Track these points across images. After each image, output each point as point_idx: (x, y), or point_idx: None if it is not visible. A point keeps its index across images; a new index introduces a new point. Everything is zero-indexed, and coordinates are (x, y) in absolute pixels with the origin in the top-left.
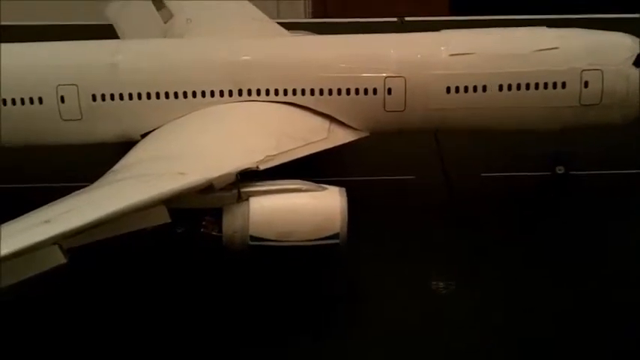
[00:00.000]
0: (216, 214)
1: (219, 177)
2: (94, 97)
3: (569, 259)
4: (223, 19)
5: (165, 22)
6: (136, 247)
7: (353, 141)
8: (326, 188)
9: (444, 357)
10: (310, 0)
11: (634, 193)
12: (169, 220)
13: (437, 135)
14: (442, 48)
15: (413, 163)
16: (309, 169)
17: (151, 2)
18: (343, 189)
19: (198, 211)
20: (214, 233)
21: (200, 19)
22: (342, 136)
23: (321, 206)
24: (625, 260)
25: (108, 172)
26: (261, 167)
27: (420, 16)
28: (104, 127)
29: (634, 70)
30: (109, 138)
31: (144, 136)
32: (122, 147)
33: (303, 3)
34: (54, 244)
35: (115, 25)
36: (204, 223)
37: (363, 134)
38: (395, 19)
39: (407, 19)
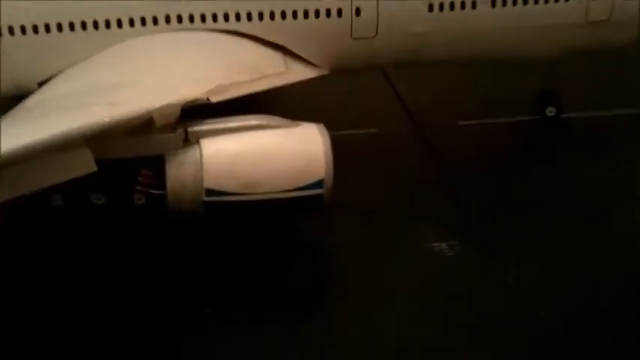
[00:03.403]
0: (156, 165)
1: (161, 108)
2: None
3: (573, 208)
4: None
5: None
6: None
7: (310, 80)
8: (300, 124)
9: (470, 326)
10: None
11: (629, 135)
12: (95, 169)
13: (393, 83)
14: None
15: (372, 115)
16: None
17: None
18: (322, 125)
19: (130, 164)
20: (154, 192)
21: None
22: (300, 72)
23: (299, 146)
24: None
25: (13, 110)
26: (213, 99)
27: None
28: None
29: None
30: None
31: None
32: None
33: None
34: None
35: None
36: (139, 178)
37: (323, 71)
38: None
39: None
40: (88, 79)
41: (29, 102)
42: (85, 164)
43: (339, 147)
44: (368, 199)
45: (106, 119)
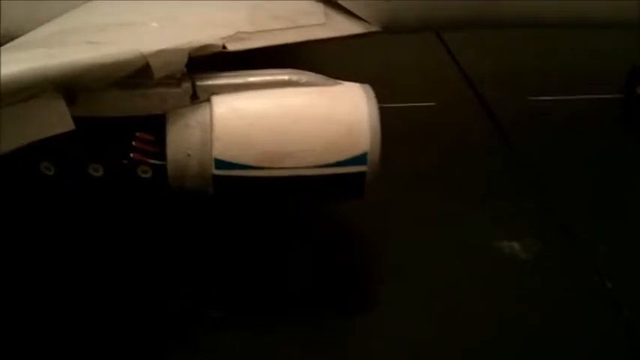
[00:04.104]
0: (155, 128)
1: (160, 53)
2: None
3: None
4: None
5: None
6: None
7: (358, 37)
8: (341, 83)
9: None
10: None
11: None
12: (72, 127)
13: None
14: None
15: (428, 85)
16: None
17: None
18: (368, 86)
19: (123, 126)
20: (152, 161)
21: None
22: (343, 27)
23: (338, 109)
24: None
25: None
26: (231, 48)
27: None
28: None
29: None
30: None
31: None
32: None
33: None
34: None
35: None
36: (134, 143)
37: (371, 28)
38: None
39: None
40: (78, 20)
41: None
42: (59, 120)
43: (387, 122)
44: (422, 185)
45: (88, 58)
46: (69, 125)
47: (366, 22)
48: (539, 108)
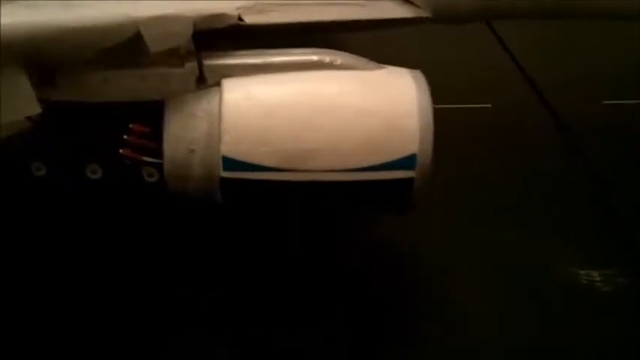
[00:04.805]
0: (151, 118)
1: (157, 20)
2: None
3: None
4: None
5: None
6: None
7: (401, 24)
8: (384, 67)
9: None
10: None
11: None
12: (38, 110)
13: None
14: None
15: (483, 84)
16: None
17: None
18: (419, 72)
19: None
20: (146, 159)
21: None
22: (387, 9)
23: (380, 99)
24: None
25: None
26: (248, 20)
27: None
28: None
29: None
30: None
31: None
32: None
33: None
34: None
35: None
36: (126, 137)
37: (421, 13)
38: None
39: None
40: None
41: None
42: (22, 99)
43: (438, 126)
44: (479, 198)
45: (57, 21)
46: (35, 109)
47: (415, 5)
48: (614, 113)
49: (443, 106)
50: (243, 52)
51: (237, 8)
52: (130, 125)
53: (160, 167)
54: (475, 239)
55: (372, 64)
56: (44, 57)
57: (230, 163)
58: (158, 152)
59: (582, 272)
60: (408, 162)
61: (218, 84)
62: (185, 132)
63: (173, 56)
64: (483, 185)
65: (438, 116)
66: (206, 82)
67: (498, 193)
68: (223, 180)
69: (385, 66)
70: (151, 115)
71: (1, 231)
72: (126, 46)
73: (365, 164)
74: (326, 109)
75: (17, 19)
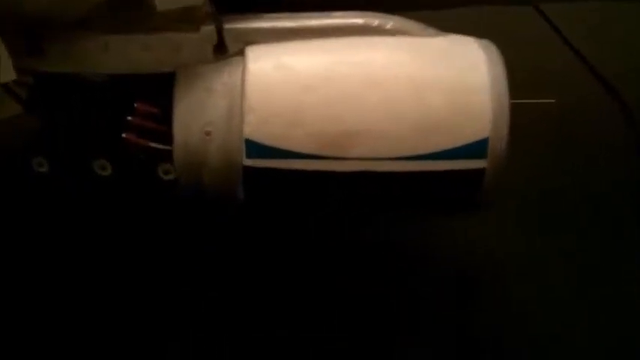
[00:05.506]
0: (160, 95)
1: None
2: None
3: None
4: None
5: None
6: None
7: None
8: (446, 34)
9: None
10: None
11: None
12: (13, 76)
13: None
14: None
15: (546, 77)
16: None
17: None
18: (490, 42)
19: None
20: (152, 144)
21: None
22: None
23: (441, 72)
24: None
25: None
26: None
27: None
28: None
29: None
30: None
31: None
32: None
33: None
34: None
35: None
36: (130, 118)
37: None
38: None
39: None
40: None
41: None
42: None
43: None
44: (549, 199)
45: None
46: (11, 75)
47: None
48: None
49: None
50: (272, 15)
51: None
52: (135, 104)
53: (167, 154)
54: (552, 248)
55: (431, 29)
56: (25, 15)
57: (255, 149)
58: (169, 136)
59: None
60: (478, 149)
61: (241, 52)
62: (200, 111)
63: (185, 17)
64: (547, 188)
65: None
66: (226, 50)
67: (566, 198)
68: (247, 170)
69: (447, 33)
70: (160, 90)
71: (2, 231)
72: (128, 4)
73: (423, 151)
74: (375, 82)
75: None
